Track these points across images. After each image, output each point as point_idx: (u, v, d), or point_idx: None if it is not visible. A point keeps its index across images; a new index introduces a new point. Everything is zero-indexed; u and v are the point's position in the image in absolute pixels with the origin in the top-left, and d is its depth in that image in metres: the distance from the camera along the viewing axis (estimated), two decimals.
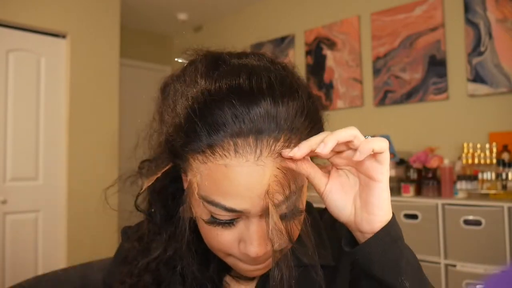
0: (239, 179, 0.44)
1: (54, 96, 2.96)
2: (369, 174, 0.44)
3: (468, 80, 2.53)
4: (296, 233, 0.50)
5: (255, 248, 0.47)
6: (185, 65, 0.53)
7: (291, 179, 0.45)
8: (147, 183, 0.54)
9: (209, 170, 0.45)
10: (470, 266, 2.05)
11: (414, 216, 2.25)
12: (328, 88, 3.23)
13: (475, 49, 2.51)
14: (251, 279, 0.57)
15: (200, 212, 0.49)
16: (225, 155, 0.44)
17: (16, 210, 2.74)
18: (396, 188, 2.48)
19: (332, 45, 3.24)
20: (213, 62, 0.50)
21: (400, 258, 0.45)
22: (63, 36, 3.02)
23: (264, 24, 3.74)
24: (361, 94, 3.05)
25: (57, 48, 2.99)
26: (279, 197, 0.45)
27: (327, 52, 3.27)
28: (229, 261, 0.52)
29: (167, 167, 0.52)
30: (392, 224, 0.46)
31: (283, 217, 0.46)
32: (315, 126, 0.49)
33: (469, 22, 2.54)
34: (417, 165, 2.44)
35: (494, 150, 2.27)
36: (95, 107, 3.11)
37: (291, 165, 0.44)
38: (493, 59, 2.44)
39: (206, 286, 0.55)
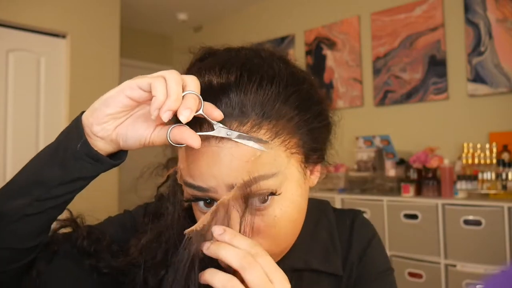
0: (201, 159, 0.47)
1: (54, 96, 2.96)
2: None
3: (468, 80, 2.53)
4: (280, 226, 0.49)
5: None
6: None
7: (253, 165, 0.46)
8: (167, 172, 0.61)
9: (183, 153, 0.50)
10: (470, 266, 2.05)
11: (414, 216, 2.25)
12: (328, 88, 3.23)
13: (475, 49, 2.51)
14: None
15: (186, 195, 0.52)
16: None
17: None
18: (396, 188, 2.48)
19: (332, 45, 3.24)
20: (201, 57, 0.55)
21: None
22: (63, 36, 3.02)
23: (264, 24, 3.74)
24: (361, 94, 3.05)
25: (57, 48, 2.99)
26: (242, 179, 0.45)
27: (327, 52, 3.27)
28: None
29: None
30: None
31: (248, 200, 0.47)
32: (301, 113, 0.49)
33: (469, 22, 2.54)
34: (417, 165, 2.44)
35: (494, 150, 2.27)
36: None
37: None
38: (493, 59, 2.44)
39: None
